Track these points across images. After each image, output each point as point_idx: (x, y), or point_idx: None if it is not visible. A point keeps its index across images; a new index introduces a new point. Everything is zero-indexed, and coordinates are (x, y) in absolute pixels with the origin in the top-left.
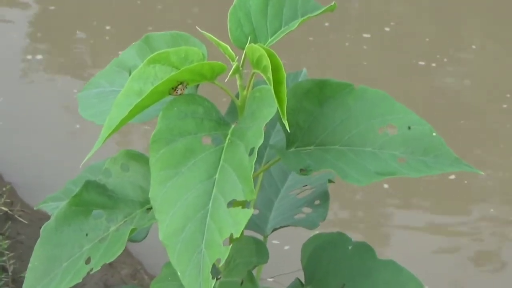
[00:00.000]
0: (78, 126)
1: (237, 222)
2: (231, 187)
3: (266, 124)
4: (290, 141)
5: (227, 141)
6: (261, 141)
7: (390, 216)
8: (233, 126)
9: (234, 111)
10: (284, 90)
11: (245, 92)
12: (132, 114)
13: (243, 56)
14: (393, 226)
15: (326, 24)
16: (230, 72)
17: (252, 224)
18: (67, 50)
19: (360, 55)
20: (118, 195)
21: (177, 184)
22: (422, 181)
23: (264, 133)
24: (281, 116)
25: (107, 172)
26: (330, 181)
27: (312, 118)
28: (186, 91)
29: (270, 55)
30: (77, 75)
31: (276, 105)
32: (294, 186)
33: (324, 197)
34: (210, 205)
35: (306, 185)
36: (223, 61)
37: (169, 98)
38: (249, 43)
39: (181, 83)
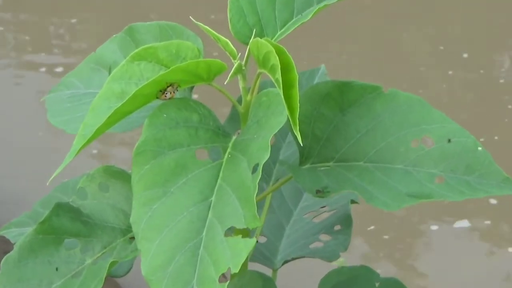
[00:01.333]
0: (41, 134)
1: (236, 254)
2: (230, 212)
3: (275, 135)
4: (304, 156)
5: (226, 156)
6: (267, 156)
7: (426, 242)
8: (234, 137)
9: (236, 119)
10: (296, 94)
11: (249, 96)
12: (112, 121)
13: (246, 52)
14: (431, 253)
15: (358, 10)
16: (231, 72)
17: (258, 255)
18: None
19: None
20: (95, 220)
21: (165, 207)
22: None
23: (273, 145)
24: (293, 126)
25: (82, 192)
26: (353, 201)
27: (331, 128)
28: (177, 95)
29: (279, 52)
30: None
31: (287, 112)
32: (310, 207)
33: (346, 221)
34: (204, 233)
35: (324, 206)
36: (222, 59)
37: (157, 102)
38: (254, 37)
39: (171, 84)
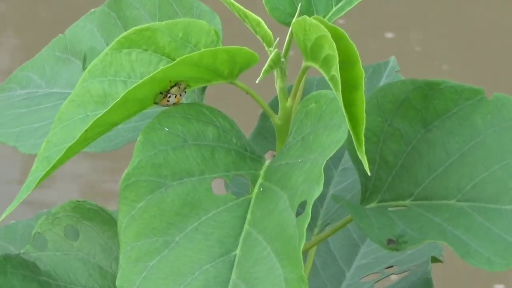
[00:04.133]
0: None
1: None
2: (263, 272)
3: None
4: (369, 190)
5: (257, 189)
6: (319, 189)
7: None
8: (267, 162)
9: (268, 135)
10: (362, 99)
11: (289, 101)
12: (89, 137)
13: (287, 37)
14: None
15: None
16: (266, 66)
17: None
18: None
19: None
20: (59, 281)
21: (167, 264)
22: None
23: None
24: (356, 146)
25: (40, 240)
26: (435, 259)
27: (409, 149)
28: (184, 99)
29: (338, 37)
30: None
31: (347, 126)
32: (370, 267)
33: None
34: None
35: (391, 266)
36: (252, 48)
37: (155, 110)
38: (299, 15)
39: (176, 84)
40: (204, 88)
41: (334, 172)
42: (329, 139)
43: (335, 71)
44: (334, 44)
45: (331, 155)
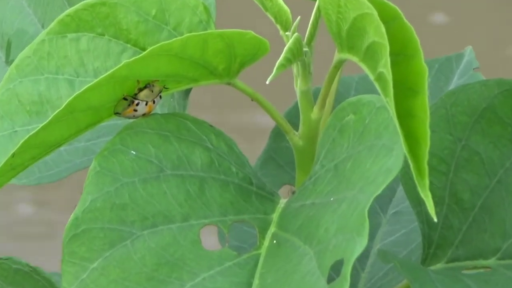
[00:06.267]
0: None
1: None
2: None
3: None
4: (435, 243)
5: (268, 242)
6: (362, 243)
7: None
8: (282, 201)
9: (285, 161)
10: (425, 109)
11: (315, 111)
12: (18, 164)
13: (312, 17)
14: None
15: None
16: (280, 59)
17: None
18: None
19: None
20: None
21: None
22: None
23: None
24: (415, 179)
25: None
26: None
27: (493, 184)
28: (158, 108)
29: (390, 16)
30: None
31: (403, 148)
32: None
33: None
34: None
35: None
36: (259, 32)
37: (115, 123)
38: None
39: (147, 85)
40: (187, 92)
41: (382, 217)
42: (376, 168)
43: (384, 66)
44: (382, 26)
45: (379, 192)
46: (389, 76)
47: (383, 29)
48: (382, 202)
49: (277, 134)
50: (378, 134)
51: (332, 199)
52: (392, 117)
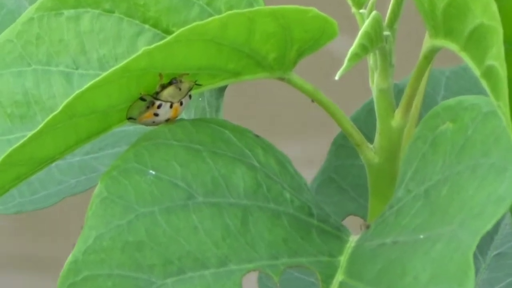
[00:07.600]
0: None
1: None
2: None
3: None
4: None
5: None
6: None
7: None
8: (353, 239)
9: (352, 183)
10: None
11: (398, 117)
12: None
13: None
14: None
15: None
16: (353, 47)
17: None
18: None
19: None
20: None
21: None
22: None
23: None
24: None
25: None
26: None
27: None
28: (185, 112)
29: None
30: None
31: None
32: None
33: None
34: None
35: None
36: (323, 10)
37: (127, 130)
38: None
39: (172, 81)
40: (222, 90)
41: (481, 261)
42: (482, 196)
43: (496, 58)
44: (494, 4)
45: (489, 228)
46: (502, 71)
47: (495, 7)
48: (481, 240)
49: (341, 148)
50: (486, 149)
51: (422, 236)
52: (506, 127)
